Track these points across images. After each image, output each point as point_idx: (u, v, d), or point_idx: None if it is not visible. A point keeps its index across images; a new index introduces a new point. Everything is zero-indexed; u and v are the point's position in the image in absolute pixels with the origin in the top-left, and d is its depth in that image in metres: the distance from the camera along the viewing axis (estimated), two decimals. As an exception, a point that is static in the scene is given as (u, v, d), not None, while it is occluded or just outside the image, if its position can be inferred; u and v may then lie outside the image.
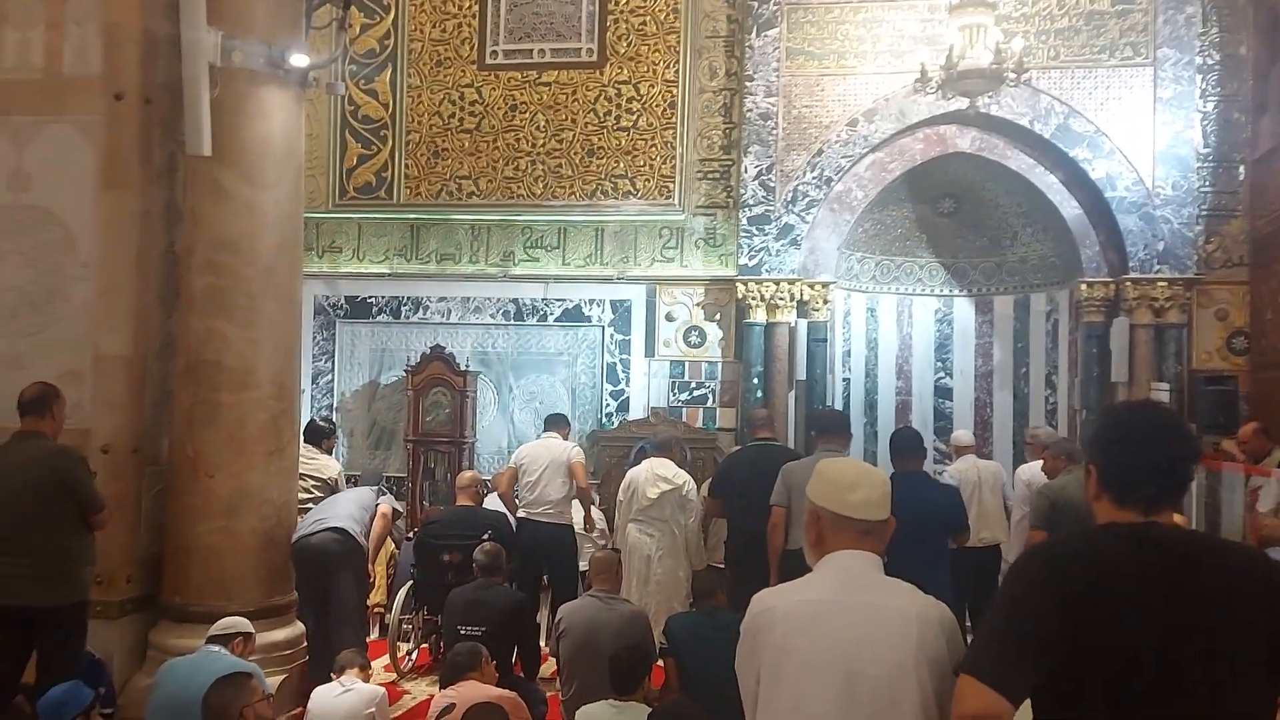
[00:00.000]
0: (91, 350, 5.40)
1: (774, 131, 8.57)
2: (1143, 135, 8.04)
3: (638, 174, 9.16)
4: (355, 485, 6.73)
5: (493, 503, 7.21)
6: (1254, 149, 8.19)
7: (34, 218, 5.49)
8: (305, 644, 5.63)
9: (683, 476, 6.56)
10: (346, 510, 6.16)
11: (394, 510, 6.75)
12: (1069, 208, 8.32)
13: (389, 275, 9.40)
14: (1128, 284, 8.10)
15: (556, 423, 7.14)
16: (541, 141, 9.28)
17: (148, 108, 5.48)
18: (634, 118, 9.17)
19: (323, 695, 4.39)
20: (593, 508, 7.44)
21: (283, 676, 5.16)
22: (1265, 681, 1.75)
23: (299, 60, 5.49)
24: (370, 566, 6.43)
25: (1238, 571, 1.79)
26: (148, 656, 5.22)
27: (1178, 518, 2.08)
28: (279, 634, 5.41)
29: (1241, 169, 8.28)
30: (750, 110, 8.61)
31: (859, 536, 2.15)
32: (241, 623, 4.47)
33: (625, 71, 9.19)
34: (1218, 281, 8.30)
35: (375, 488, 6.74)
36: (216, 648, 4.28)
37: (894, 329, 9.33)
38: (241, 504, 5.35)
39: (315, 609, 5.91)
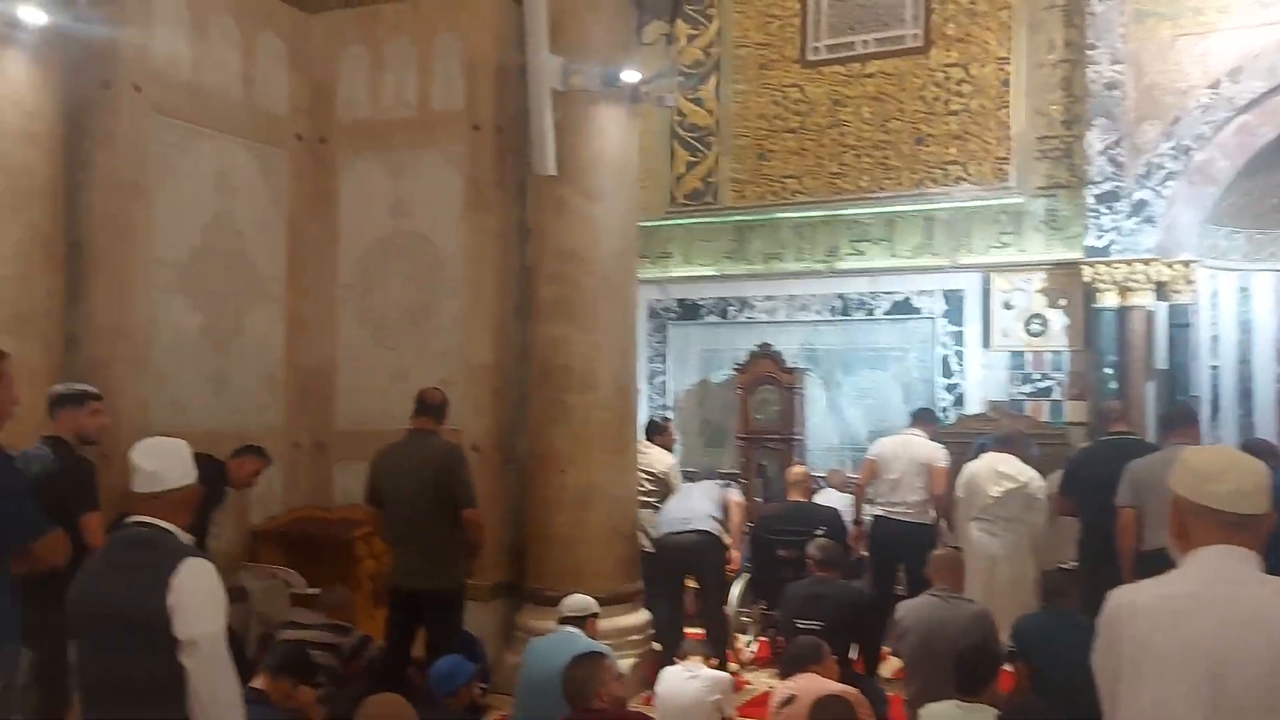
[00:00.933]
0: (461, 360, 6.00)
1: (1122, 102, 7.90)
2: None
3: (969, 159, 8.78)
4: (693, 481, 6.87)
5: (824, 498, 7.20)
6: None
7: (411, 242, 6.19)
8: (652, 631, 5.92)
9: (1028, 473, 6.19)
10: (705, 509, 6.24)
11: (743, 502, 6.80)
12: None
13: (717, 277, 9.64)
14: None
15: (922, 418, 6.74)
16: (867, 134, 9.15)
17: (500, 135, 6.01)
18: (964, 100, 8.81)
19: (670, 677, 4.58)
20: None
21: (633, 660, 5.45)
22: None
23: (630, 77, 5.78)
24: (732, 553, 6.50)
25: None
26: (514, 636, 5.72)
27: None
28: (628, 620, 5.73)
29: None
30: (1094, 81, 7.99)
31: (1226, 530, 1.94)
32: (591, 602, 4.71)
33: (954, 54, 8.85)
34: None
35: (721, 482, 6.76)
36: (572, 628, 4.57)
37: (1273, 309, 8.29)
38: (590, 497, 5.72)
39: (671, 602, 6.17)
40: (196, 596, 2.48)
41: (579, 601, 4.69)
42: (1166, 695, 1.88)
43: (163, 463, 2.63)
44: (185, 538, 2.64)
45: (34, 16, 4.72)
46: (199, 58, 5.71)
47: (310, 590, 5.49)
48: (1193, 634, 1.89)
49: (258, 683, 3.81)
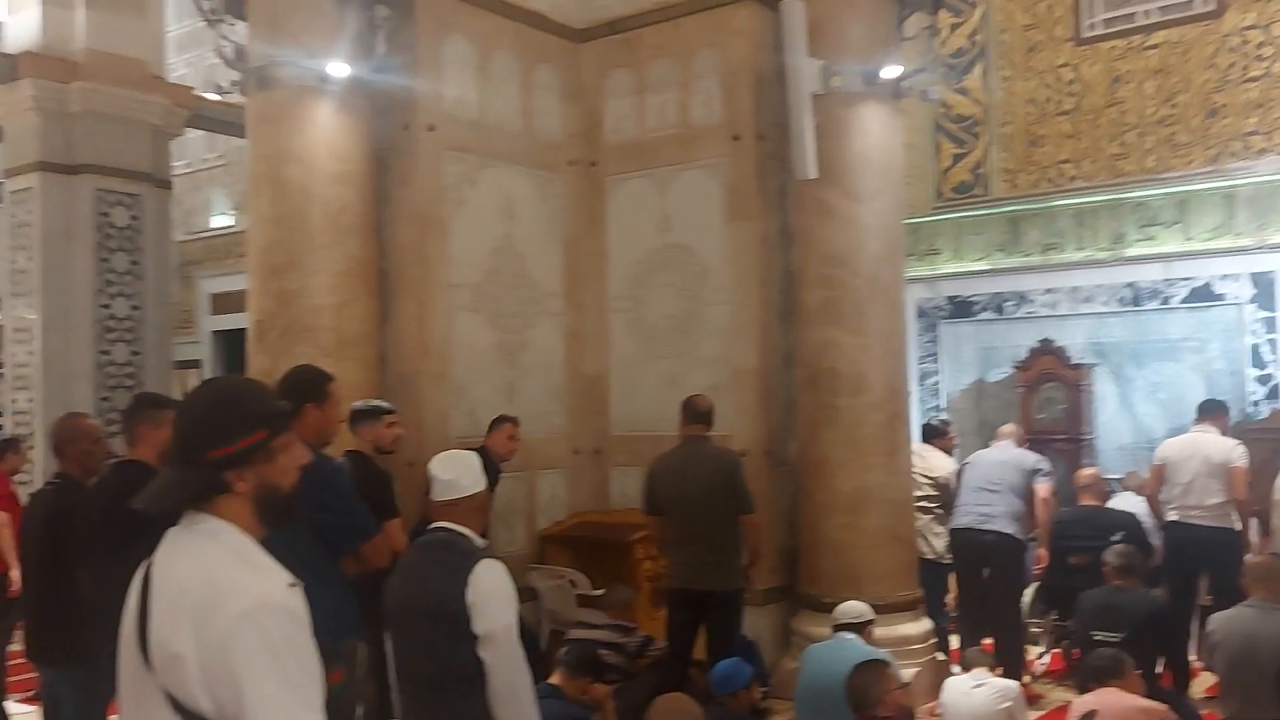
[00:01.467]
0: (728, 365, 6.11)
1: None
2: None
3: (1274, 127, 7.96)
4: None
5: (1121, 501, 6.72)
6: None
7: (677, 254, 6.38)
8: (934, 640, 5.76)
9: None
10: (1007, 509, 5.96)
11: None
12: None
13: (989, 272, 9.24)
14: None
15: (1210, 411, 6.16)
16: (1151, 110, 8.49)
17: (761, 143, 6.07)
18: (1265, 65, 7.99)
19: (955, 688, 4.45)
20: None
21: (915, 669, 5.33)
22: None
23: (892, 74, 5.68)
24: (1040, 551, 6.25)
25: None
26: (790, 642, 5.74)
27: None
28: (909, 628, 5.61)
29: None
30: None
31: None
32: (866, 609, 4.64)
33: (1252, 15, 8.06)
34: None
35: (1032, 468, 6.19)
36: (850, 635, 4.53)
37: None
38: (863, 502, 5.65)
39: (970, 602, 6.04)
40: (491, 594, 2.71)
41: (854, 608, 4.65)
42: None
43: (457, 472, 2.88)
44: (479, 541, 2.89)
45: (340, 70, 5.29)
46: (483, 94, 6.14)
47: (595, 591, 5.76)
48: None
49: (554, 679, 4.05)
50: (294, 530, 1.80)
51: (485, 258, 6.11)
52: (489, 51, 6.18)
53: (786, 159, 5.84)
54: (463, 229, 5.97)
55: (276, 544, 1.67)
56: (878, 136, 5.81)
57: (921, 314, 9.56)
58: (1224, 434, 6.00)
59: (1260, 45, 8.01)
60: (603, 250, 6.67)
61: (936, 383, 9.56)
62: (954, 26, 9.41)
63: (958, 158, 9.47)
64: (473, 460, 2.96)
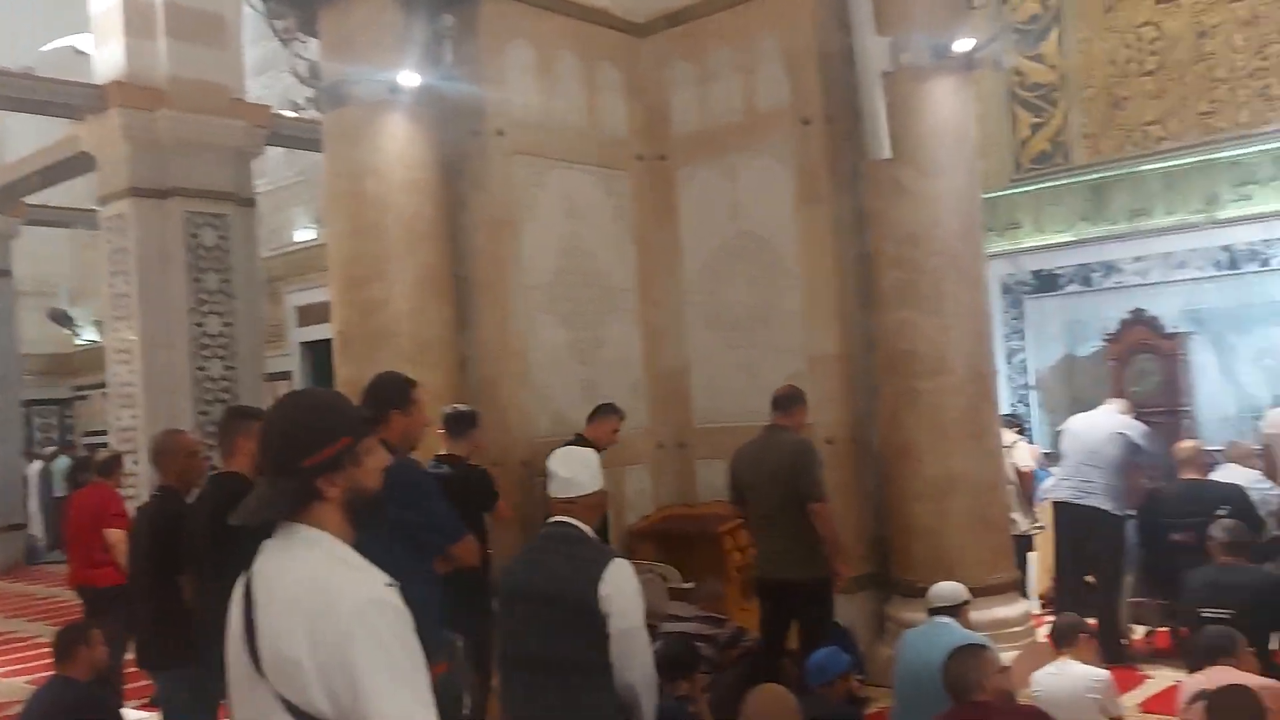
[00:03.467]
0: (806, 352, 6.05)
1: None
2: None
3: (1375, 73, 7.58)
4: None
5: (1224, 474, 6.47)
6: None
7: (750, 243, 6.34)
8: (1032, 623, 5.63)
9: None
10: (1106, 482, 5.96)
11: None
12: None
13: (1074, 243, 8.98)
14: None
15: None
16: (1241, 63, 8.15)
17: (830, 126, 5.99)
18: (1363, 7, 7.62)
19: (1039, 676, 4.34)
20: None
21: (1015, 653, 5.21)
22: None
23: (962, 45, 5.55)
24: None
25: None
26: (885, 628, 5.66)
27: None
28: (1005, 611, 5.49)
29: None
30: None
31: None
32: (961, 590, 4.48)
33: (1344, -44, 7.69)
34: None
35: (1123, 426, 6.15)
36: (946, 619, 4.43)
37: None
38: (950, 485, 5.54)
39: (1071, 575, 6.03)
40: (626, 592, 2.80)
41: (948, 590, 4.53)
42: None
43: (575, 470, 2.97)
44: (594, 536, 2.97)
45: (409, 80, 5.38)
46: (547, 95, 6.19)
47: (685, 584, 5.76)
48: None
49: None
50: (377, 531, 1.85)
51: (555, 258, 6.16)
52: (551, 52, 6.22)
53: (858, 140, 5.75)
54: (534, 231, 6.03)
55: (367, 546, 1.71)
56: (950, 110, 5.67)
57: (1006, 290, 9.34)
58: None
59: (1356, -12, 7.64)
60: (675, 244, 6.66)
61: (1024, 360, 9.33)
62: (1026, -8, 9.17)
63: (1036, 127, 9.22)
64: (591, 458, 3.05)
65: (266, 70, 11.35)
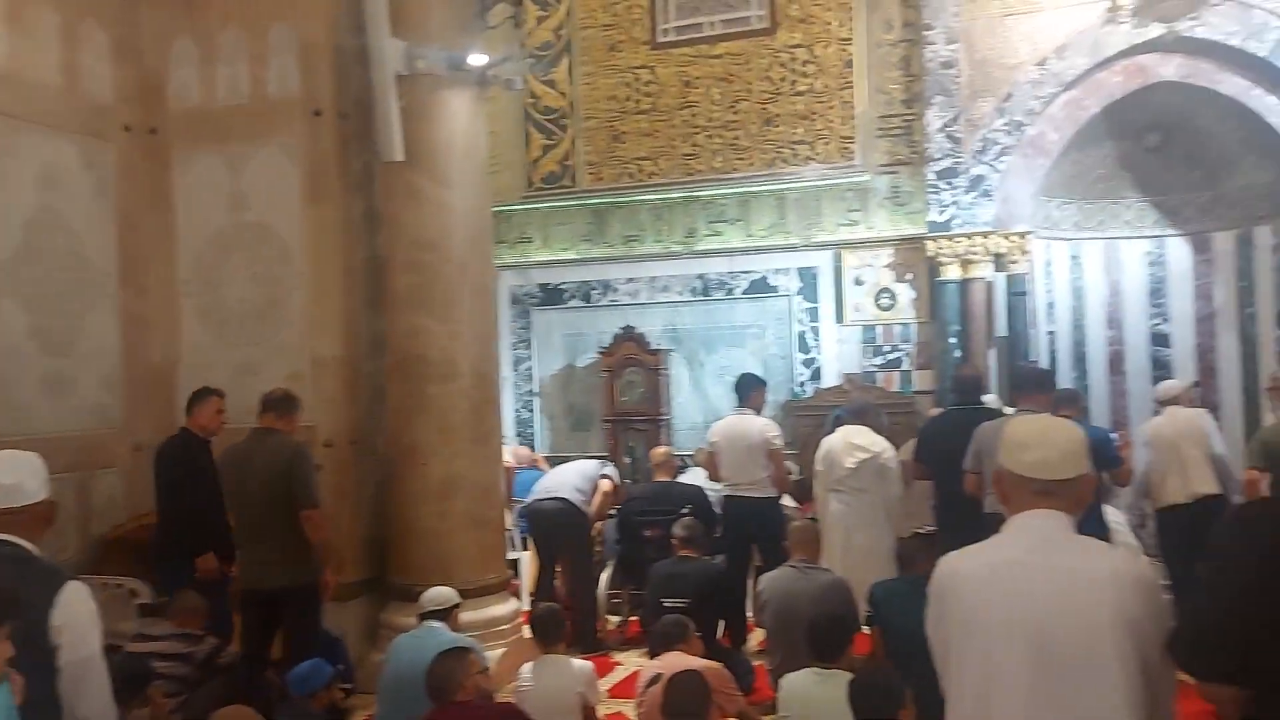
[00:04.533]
0: (309, 354, 5.83)
1: (958, 79, 8.20)
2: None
3: (816, 138, 8.99)
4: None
5: (692, 476, 7.30)
6: None
7: (253, 234, 5.98)
8: (520, 620, 5.90)
9: (880, 444, 6.39)
10: (569, 480, 6.70)
11: (614, 486, 6.96)
12: (1295, 130, 7.58)
13: (577, 261, 9.63)
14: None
15: (745, 388, 6.43)
16: (717, 115, 9.25)
17: (343, 122, 5.84)
18: (809, 81, 9.00)
19: (524, 671, 4.50)
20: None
21: (502, 650, 5.42)
22: None
23: (477, 60, 5.70)
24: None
25: None
26: (380, 634, 5.61)
27: None
28: (497, 609, 5.70)
29: None
30: (931, 60, 8.28)
31: (1036, 496, 2.06)
32: (452, 594, 4.60)
33: (798, 34, 9.03)
34: None
35: (601, 461, 7.04)
36: (436, 623, 4.49)
37: (1101, 276, 8.78)
38: (454, 487, 5.65)
39: (548, 569, 6.67)
40: (80, 618, 2.46)
41: (440, 594, 4.60)
42: (995, 659, 1.98)
43: (22, 476, 2.56)
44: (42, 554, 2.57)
45: None
46: (15, 48, 5.37)
47: (161, 599, 5.26)
48: (1014, 599, 1.98)
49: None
50: None
51: (20, 232, 5.35)
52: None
53: (372, 140, 5.67)
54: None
55: None
56: (464, 122, 5.80)
57: (515, 301, 9.76)
58: (759, 413, 6.43)
59: (805, 63, 9.00)
60: (169, 228, 6.11)
61: (530, 368, 9.81)
62: (540, 19, 9.66)
63: (547, 148, 9.75)
64: (36, 461, 2.63)
65: None
